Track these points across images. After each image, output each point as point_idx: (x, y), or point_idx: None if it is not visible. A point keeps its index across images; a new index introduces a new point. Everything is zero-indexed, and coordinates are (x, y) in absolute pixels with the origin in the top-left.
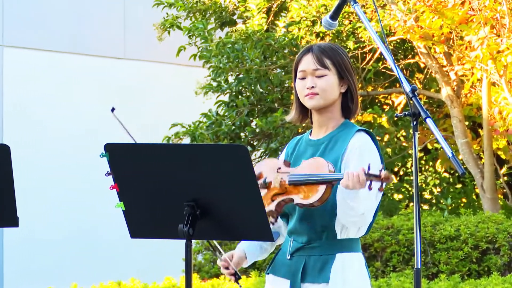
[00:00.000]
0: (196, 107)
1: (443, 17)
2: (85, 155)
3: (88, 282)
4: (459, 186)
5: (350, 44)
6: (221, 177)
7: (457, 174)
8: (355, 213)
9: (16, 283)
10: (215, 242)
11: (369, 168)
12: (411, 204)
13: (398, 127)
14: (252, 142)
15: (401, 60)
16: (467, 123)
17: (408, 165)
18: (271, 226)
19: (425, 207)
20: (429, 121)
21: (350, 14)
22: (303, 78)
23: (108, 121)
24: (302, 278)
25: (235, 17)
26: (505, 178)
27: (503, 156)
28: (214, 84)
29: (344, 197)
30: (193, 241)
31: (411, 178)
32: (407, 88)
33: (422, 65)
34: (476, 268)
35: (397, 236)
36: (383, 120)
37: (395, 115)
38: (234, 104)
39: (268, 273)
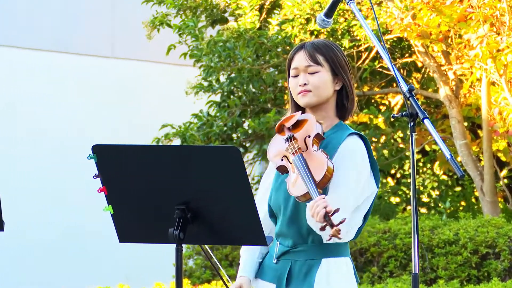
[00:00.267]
0: (187, 107)
1: (441, 14)
2: (74, 155)
3: (75, 287)
4: (458, 189)
5: (346, 42)
6: (212, 179)
7: (456, 177)
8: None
9: (2, 286)
10: (207, 248)
11: (333, 213)
12: (408, 207)
13: (395, 128)
14: (244, 143)
15: (398, 59)
16: (466, 124)
17: (406, 167)
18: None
19: (423, 210)
20: (427, 122)
21: (345, 11)
22: (296, 76)
23: (97, 121)
24: (287, 283)
25: (226, 14)
26: (505, 180)
27: (503, 158)
28: (205, 83)
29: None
30: (184, 245)
31: (409, 180)
32: (404, 88)
33: (419, 64)
34: (475, 273)
35: (394, 240)
36: (380, 121)
37: (392, 115)
38: (226, 104)
39: (256, 277)
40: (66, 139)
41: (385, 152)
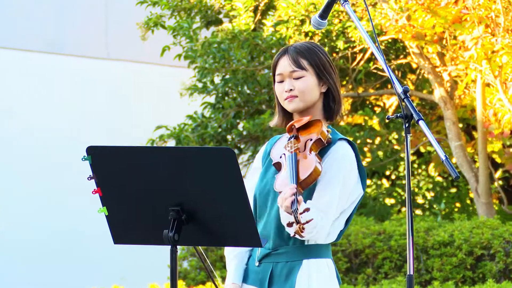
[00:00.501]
0: (181, 109)
1: (436, 16)
2: (68, 157)
3: None
4: (453, 190)
5: (340, 44)
6: (207, 181)
7: (450, 178)
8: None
9: None
10: (201, 250)
11: (303, 211)
12: (403, 209)
13: (390, 129)
14: (239, 145)
15: (392, 61)
16: (461, 125)
17: (400, 168)
18: None
19: (418, 212)
20: (421, 123)
21: (340, 13)
22: (281, 81)
23: (91, 122)
24: (270, 285)
25: (221, 16)
26: (500, 182)
27: (498, 160)
28: (200, 85)
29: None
30: (178, 247)
31: (403, 182)
32: (399, 89)
33: (414, 66)
34: (470, 275)
35: (389, 242)
36: (374, 122)
37: (386, 117)
38: (221, 105)
39: None
40: (59, 140)
41: (380, 153)
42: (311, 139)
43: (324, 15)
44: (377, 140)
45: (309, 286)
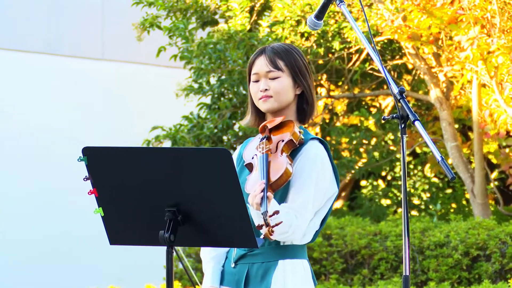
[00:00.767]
0: (177, 109)
1: (432, 16)
2: (63, 158)
3: None
4: (448, 191)
5: (336, 44)
6: (203, 181)
7: (446, 179)
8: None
9: None
10: (181, 252)
11: (273, 214)
12: (399, 209)
13: (386, 130)
14: (234, 145)
15: (388, 61)
16: (456, 126)
17: (396, 169)
18: None
19: (414, 212)
20: (417, 124)
21: (335, 13)
22: (257, 81)
23: (86, 123)
24: (245, 286)
25: (217, 16)
26: (496, 183)
27: (494, 160)
28: (196, 85)
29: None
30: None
31: (399, 183)
32: (395, 90)
33: (410, 66)
34: (466, 275)
35: (385, 242)
36: (370, 123)
37: (382, 117)
38: (216, 106)
39: None
40: (56, 141)
41: (376, 154)
42: (282, 140)
43: (320, 15)
44: (373, 140)
45: (284, 286)
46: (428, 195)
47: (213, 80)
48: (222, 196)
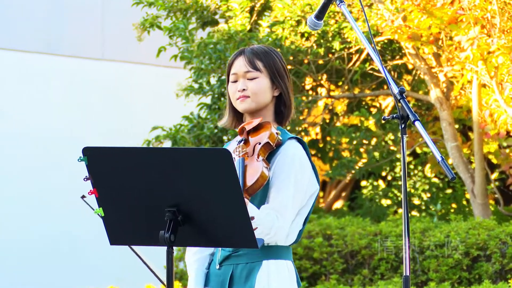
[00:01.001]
0: (177, 109)
1: (432, 16)
2: (64, 158)
3: None
4: (449, 191)
5: (336, 44)
6: (203, 181)
7: (447, 179)
8: None
9: None
10: (135, 249)
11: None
12: (399, 210)
13: (386, 130)
14: None
15: (388, 61)
16: (457, 126)
17: (397, 169)
18: None
19: (414, 213)
20: (417, 124)
21: (336, 13)
22: (235, 81)
23: (86, 123)
24: (230, 287)
25: (217, 16)
26: (497, 183)
27: (494, 161)
28: (196, 86)
29: None
30: (175, 248)
31: (400, 183)
32: (395, 90)
33: (410, 66)
34: (466, 276)
35: (385, 243)
36: (370, 123)
37: (382, 118)
38: (217, 106)
39: None
40: (56, 141)
41: (376, 154)
42: (259, 143)
43: (320, 15)
44: (373, 141)
45: (268, 286)
46: (428, 195)
47: (213, 80)
48: (222, 196)
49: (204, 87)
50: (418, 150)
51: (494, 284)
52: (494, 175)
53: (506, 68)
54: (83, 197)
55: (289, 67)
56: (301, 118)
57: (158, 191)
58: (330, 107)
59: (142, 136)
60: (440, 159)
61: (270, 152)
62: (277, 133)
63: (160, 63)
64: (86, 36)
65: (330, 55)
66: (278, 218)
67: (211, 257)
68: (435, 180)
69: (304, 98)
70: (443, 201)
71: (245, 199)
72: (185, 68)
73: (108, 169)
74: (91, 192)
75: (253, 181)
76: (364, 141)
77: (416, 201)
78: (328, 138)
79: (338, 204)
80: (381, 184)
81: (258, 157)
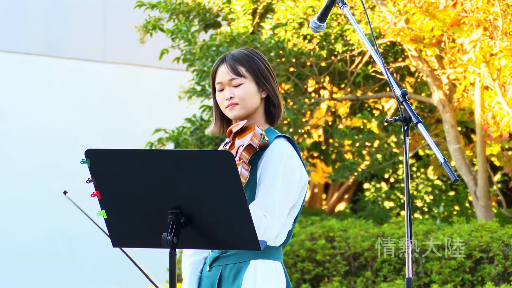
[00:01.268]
0: (180, 112)
1: (435, 19)
2: (66, 158)
3: None
4: (451, 193)
5: (339, 47)
6: (205, 184)
7: (449, 181)
8: None
9: None
10: (125, 251)
11: None
12: (402, 212)
13: (389, 132)
14: None
15: (391, 64)
16: (459, 128)
17: (399, 172)
18: None
19: (417, 215)
20: (420, 127)
21: (338, 16)
22: (222, 90)
23: (89, 125)
24: None
25: (219, 19)
26: (499, 185)
27: (496, 163)
28: (198, 88)
29: None
30: (177, 250)
31: (402, 185)
32: (398, 92)
33: (413, 69)
34: (469, 278)
35: (388, 245)
36: (373, 125)
37: (385, 120)
38: None
39: None
40: (56, 143)
41: (379, 156)
42: (242, 145)
43: (322, 18)
44: (376, 143)
45: (255, 285)
46: (431, 197)
47: None
48: (225, 199)
49: (206, 89)
50: (421, 152)
51: (497, 286)
52: (497, 177)
53: (509, 70)
54: (65, 192)
55: (291, 69)
56: (303, 120)
57: (160, 193)
58: (333, 109)
59: (144, 138)
60: (442, 161)
61: (255, 152)
62: (261, 134)
63: (163, 66)
64: (88, 38)
65: (333, 58)
66: (266, 217)
67: (205, 261)
68: (438, 182)
69: (306, 100)
70: (446, 203)
71: None
72: (188, 71)
73: (110, 171)
74: (93, 194)
75: None
76: (367, 143)
77: (418, 203)
78: (330, 140)
79: (341, 206)
80: (384, 186)
81: (239, 159)
